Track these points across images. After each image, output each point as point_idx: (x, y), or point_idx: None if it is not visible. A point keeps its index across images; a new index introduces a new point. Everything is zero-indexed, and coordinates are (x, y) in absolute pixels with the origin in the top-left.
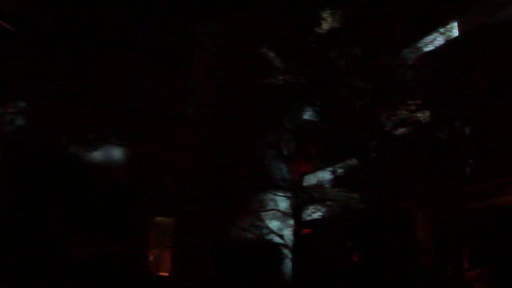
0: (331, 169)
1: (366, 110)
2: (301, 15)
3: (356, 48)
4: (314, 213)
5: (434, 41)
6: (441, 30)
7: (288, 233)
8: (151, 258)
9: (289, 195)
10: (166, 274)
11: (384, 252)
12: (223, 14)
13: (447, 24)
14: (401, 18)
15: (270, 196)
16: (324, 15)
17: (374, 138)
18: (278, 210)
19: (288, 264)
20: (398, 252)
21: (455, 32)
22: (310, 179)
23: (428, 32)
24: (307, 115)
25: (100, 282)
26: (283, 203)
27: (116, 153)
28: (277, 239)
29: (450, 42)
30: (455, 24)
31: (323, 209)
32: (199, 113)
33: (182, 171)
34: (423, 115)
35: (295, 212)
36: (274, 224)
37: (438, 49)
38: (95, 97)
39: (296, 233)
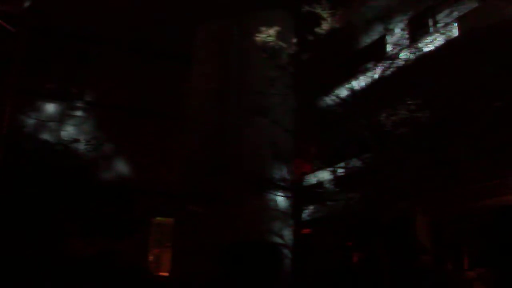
0: (331, 169)
1: (366, 110)
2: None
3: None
4: (314, 213)
5: (434, 41)
6: (441, 30)
7: (288, 233)
8: (151, 258)
9: (289, 195)
10: (166, 274)
11: (384, 252)
12: (223, 14)
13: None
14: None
15: (270, 196)
16: (324, 15)
17: (374, 138)
18: (278, 210)
19: (288, 264)
20: (398, 252)
21: (455, 32)
22: (310, 179)
23: (428, 32)
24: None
25: (100, 282)
26: (283, 203)
27: (116, 152)
28: (277, 239)
29: (450, 42)
30: (455, 24)
31: (323, 209)
32: (199, 113)
33: (181, 171)
34: (423, 115)
35: (295, 212)
36: (274, 224)
37: (438, 49)
38: (95, 97)
39: (296, 233)
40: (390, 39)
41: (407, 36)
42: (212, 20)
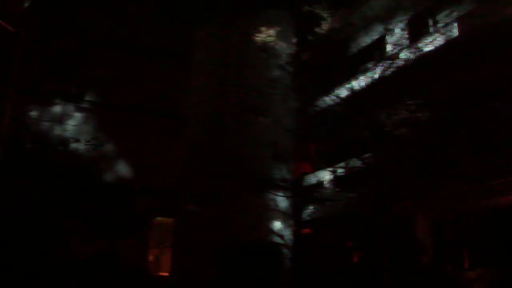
0: (331, 169)
1: (366, 110)
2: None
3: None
4: (314, 213)
5: (434, 41)
6: (441, 30)
7: (288, 233)
8: (151, 258)
9: (289, 195)
10: (166, 274)
11: (384, 252)
12: (223, 15)
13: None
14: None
15: (270, 196)
16: (324, 15)
17: (374, 138)
18: (278, 210)
19: (288, 264)
20: (398, 252)
21: (455, 32)
22: (310, 179)
23: (428, 32)
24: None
25: (100, 282)
26: (283, 203)
27: (116, 152)
28: (277, 239)
29: (450, 42)
30: (455, 24)
31: (323, 209)
32: (199, 113)
33: (182, 171)
34: (423, 115)
35: (295, 212)
36: (274, 224)
37: (438, 49)
38: (95, 97)
39: (296, 233)
40: (390, 39)
41: (407, 36)
42: (212, 20)
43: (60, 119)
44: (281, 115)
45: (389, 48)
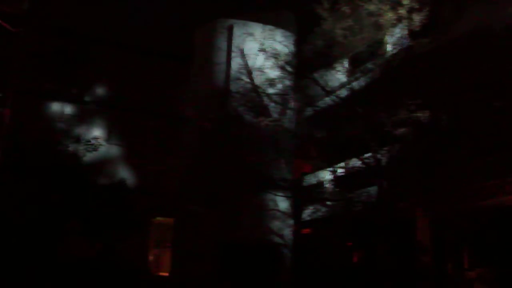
0: (331, 169)
1: (366, 110)
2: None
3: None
4: (314, 213)
5: (433, 41)
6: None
7: (288, 233)
8: (151, 258)
9: (289, 195)
10: (166, 274)
11: (384, 252)
12: (224, 14)
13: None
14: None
15: (270, 196)
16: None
17: (374, 138)
18: (278, 210)
19: (288, 264)
20: (398, 252)
21: (455, 32)
22: (310, 179)
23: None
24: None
25: (100, 282)
26: (283, 203)
27: (116, 153)
28: (277, 239)
29: (450, 42)
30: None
31: (323, 209)
32: (199, 113)
33: (182, 171)
34: (423, 115)
35: (295, 212)
36: (274, 224)
37: (437, 49)
38: (95, 97)
39: (296, 233)
40: (390, 39)
41: (407, 36)
42: (212, 20)
43: (60, 119)
44: (281, 115)
45: (389, 48)
